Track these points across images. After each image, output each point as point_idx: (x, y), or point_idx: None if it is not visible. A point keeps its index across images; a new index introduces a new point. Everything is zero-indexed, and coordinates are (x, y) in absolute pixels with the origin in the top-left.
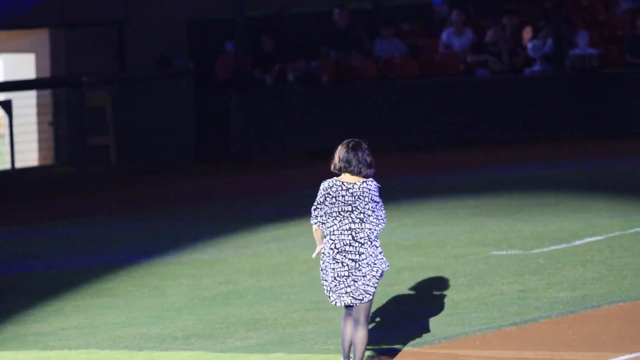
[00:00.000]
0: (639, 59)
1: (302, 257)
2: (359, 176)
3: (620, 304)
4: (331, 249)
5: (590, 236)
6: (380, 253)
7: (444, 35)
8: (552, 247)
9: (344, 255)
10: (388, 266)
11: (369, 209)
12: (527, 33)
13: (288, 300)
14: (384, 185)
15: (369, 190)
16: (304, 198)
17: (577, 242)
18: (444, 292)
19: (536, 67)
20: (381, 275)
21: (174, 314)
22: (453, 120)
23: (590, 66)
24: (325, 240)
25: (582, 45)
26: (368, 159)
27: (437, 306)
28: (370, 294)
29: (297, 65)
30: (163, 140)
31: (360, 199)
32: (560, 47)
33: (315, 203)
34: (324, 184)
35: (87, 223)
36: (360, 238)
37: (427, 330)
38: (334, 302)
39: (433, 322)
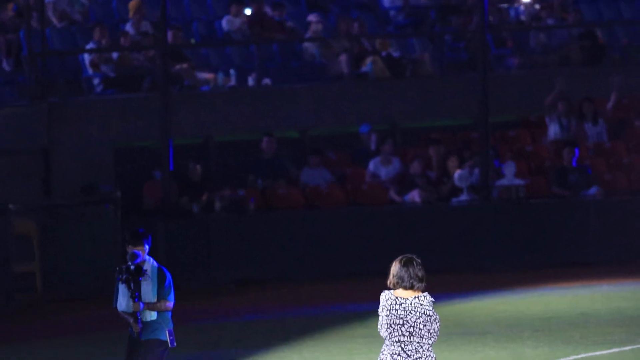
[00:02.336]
0: (565, 190)
1: None
2: (412, 290)
3: None
4: (386, 353)
5: None
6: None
7: (371, 165)
8: None
9: None
10: None
11: (420, 323)
12: (452, 162)
13: None
14: (309, 314)
15: (421, 305)
16: (231, 326)
17: None
18: None
19: (463, 197)
20: None
21: None
22: (380, 249)
23: (517, 197)
24: (382, 347)
25: (509, 175)
26: (420, 274)
27: None
28: None
29: (224, 194)
30: (89, 268)
31: (412, 313)
32: (487, 177)
33: (379, 311)
34: (383, 295)
35: (11, 351)
36: (409, 350)
37: None
38: None
39: None
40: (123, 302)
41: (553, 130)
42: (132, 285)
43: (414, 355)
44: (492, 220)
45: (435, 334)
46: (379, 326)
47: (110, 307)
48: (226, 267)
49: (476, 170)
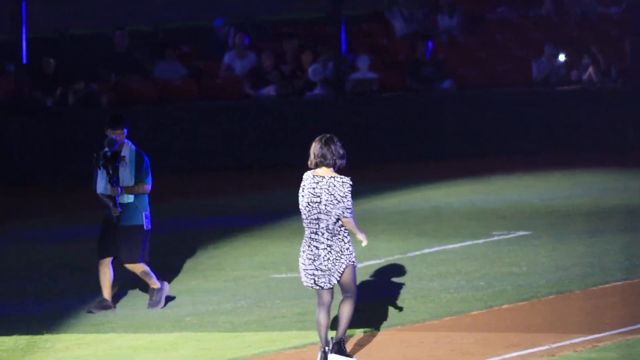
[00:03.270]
0: (418, 84)
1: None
2: (333, 168)
3: (399, 327)
4: (305, 235)
5: (370, 259)
6: (347, 249)
7: (226, 58)
8: None
9: (310, 243)
10: (355, 263)
11: (330, 203)
12: (307, 57)
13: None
14: (162, 208)
15: (334, 186)
16: (81, 219)
17: (357, 266)
18: (225, 315)
19: (317, 91)
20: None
21: None
22: (235, 144)
23: (371, 90)
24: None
25: (363, 69)
26: (341, 151)
27: (218, 329)
28: (331, 284)
29: (78, 88)
30: None
31: (326, 191)
32: (340, 71)
33: (299, 192)
34: (304, 176)
35: None
36: (322, 227)
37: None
38: (304, 282)
39: (212, 344)
40: (101, 185)
41: (398, 24)
42: (110, 170)
43: (326, 233)
44: (346, 113)
45: (335, 216)
46: (301, 206)
47: None
48: (81, 161)
49: (330, 64)
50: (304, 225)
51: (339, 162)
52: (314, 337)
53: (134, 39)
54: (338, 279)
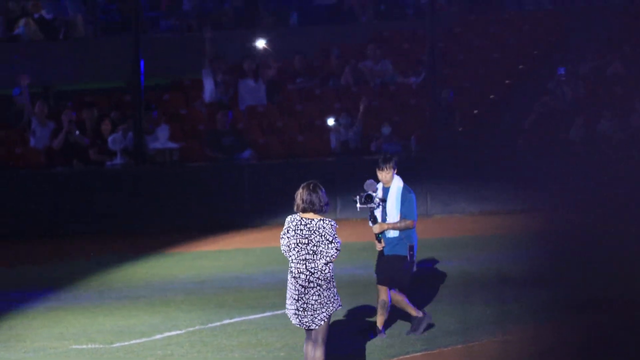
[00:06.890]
0: (218, 154)
1: None
2: (318, 213)
3: None
4: (290, 273)
5: (170, 330)
6: (335, 294)
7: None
8: (133, 341)
9: (296, 281)
10: (340, 306)
11: (321, 243)
12: (106, 126)
13: None
14: None
15: (324, 228)
16: None
17: (158, 336)
18: None
19: (117, 161)
20: (333, 310)
21: None
22: (35, 213)
23: (171, 160)
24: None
25: (163, 139)
26: (326, 198)
27: None
28: (316, 325)
29: None
30: None
31: (315, 233)
32: (140, 141)
33: (282, 233)
34: (288, 218)
35: None
36: (311, 268)
37: None
38: (292, 321)
39: None
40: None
41: (209, 89)
42: (370, 211)
43: (313, 272)
44: (145, 183)
45: (327, 256)
46: (285, 247)
47: None
48: None
49: (130, 134)
50: (290, 265)
51: (325, 208)
52: None
53: None
54: (321, 323)
